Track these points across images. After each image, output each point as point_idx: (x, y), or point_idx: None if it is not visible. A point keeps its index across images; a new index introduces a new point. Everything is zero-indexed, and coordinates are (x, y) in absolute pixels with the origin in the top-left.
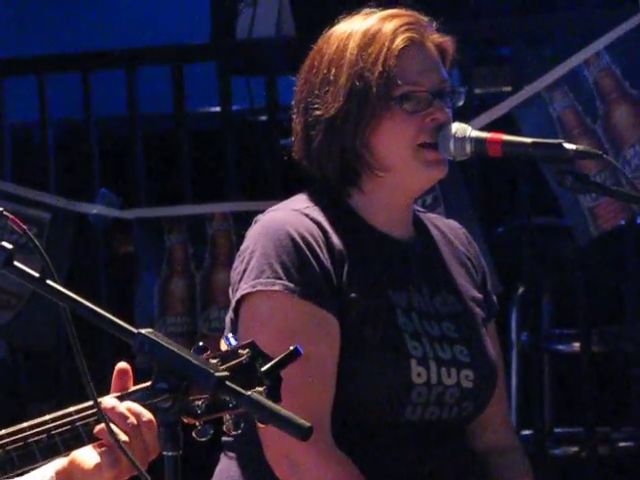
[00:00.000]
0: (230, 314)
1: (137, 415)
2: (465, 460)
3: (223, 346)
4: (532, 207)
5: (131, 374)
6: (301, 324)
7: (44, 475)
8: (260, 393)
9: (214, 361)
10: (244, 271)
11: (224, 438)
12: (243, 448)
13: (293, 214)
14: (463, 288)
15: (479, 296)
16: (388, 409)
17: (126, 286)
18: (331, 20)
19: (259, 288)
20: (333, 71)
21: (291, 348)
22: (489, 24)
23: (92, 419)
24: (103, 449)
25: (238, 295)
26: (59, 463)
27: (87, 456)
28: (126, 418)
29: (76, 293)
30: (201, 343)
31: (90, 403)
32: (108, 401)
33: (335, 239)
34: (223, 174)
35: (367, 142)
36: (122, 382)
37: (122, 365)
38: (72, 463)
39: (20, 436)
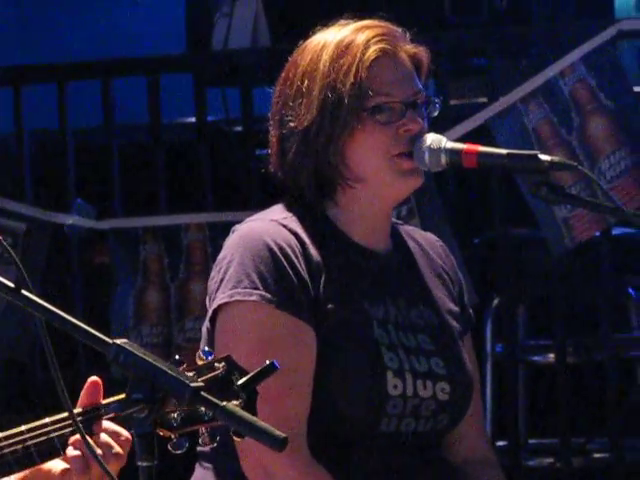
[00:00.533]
0: (207, 324)
1: (115, 434)
2: (440, 472)
3: (199, 360)
4: (507, 218)
5: (101, 389)
6: (278, 334)
7: None
8: (236, 406)
9: (190, 374)
10: (221, 280)
11: (199, 448)
12: (219, 459)
13: (271, 224)
14: (440, 301)
15: (456, 309)
16: (364, 420)
17: (101, 296)
18: (307, 30)
19: (236, 298)
20: (306, 83)
21: (267, 362)
22: (464, 35)
23: (67, 430)
24: (74, 455)
25: (215, 305)
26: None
27: (53, 463)
28: (111, 443)
29: (51, 303)
30: (177, 357)
31: (65, 414)
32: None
33: (312, 250)
34: (198, 184)
35: (341, 154)
36: (92, 397)
37: (94, 379)
38: (34, 470)
39: None
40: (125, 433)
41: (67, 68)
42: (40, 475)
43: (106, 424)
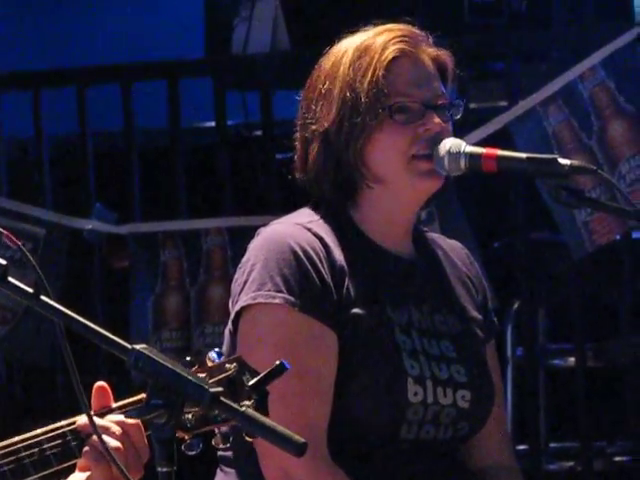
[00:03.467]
0: (229, 326)
1: (122, 423)
2: (460, 479)
3: (209, 362)
4: (527, 222)
5: (109, 391)
6: (300, 338)
7: None
8: (248, 407)
9: (202, 375)
10: (245, 283)
11: (220, 453)
12: (240, 463)
13: (296, 228)
14: (464, 308)
15: (479, 317)
16: (384, 427)
17: (121, 301)
18: (325, 35)
19: (259, 300)
20: (327, 85)
21: (277, 363)
22: (484, 39)
23: (85, 433)
24: (92, 458)
25: (238, 307)
26: None
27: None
28: (112, 428)
29: (70, 308)
30: (188, 358)
31: (80, 419)
32: (81, 419)
33: (337, 254)
34: (218, 189)
35: (360, 154)
36: (102, 399)
37: (99, 384)
38: None
39: (12, 449)
40: (131, 420)
41: (87, 72)
42: None
43: (111, 417)
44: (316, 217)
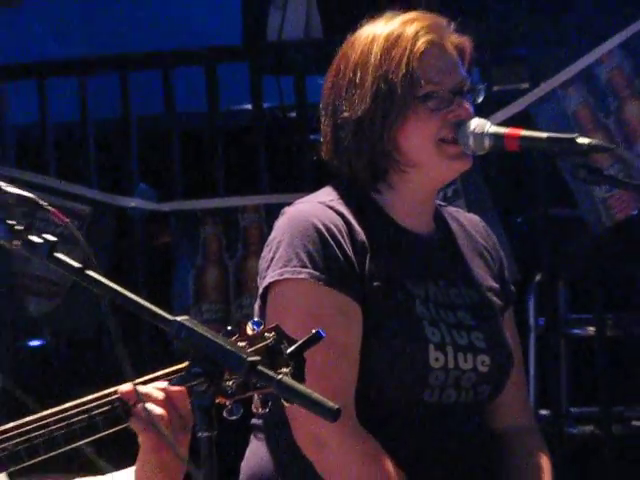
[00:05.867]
0: (258, 301)
1: (165, 390)
2: (482, 440)
3: (249, 330)
4: (549, 198)
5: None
6: (326, 310)
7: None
8: (285, 374)
9: (242, 344)
10: (271, 260)
11: (253, 421)
12: (272, 430)
13: (318, 206)
14: (481, 279)
15: (496, 286)
16: (407, 392)
17: (163, 275)
18: (356, 23)
19: (286, 276)
20: (359, 74)
21: (313, 331)
22: (507, 25)
23: (131, 399)
24: (138, 425)
25: (266, 282)
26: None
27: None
28: (155, 395)
29: (115, 282)
30: (229, 327)
31: (127, 386)
32: (124, 387)
33: (358, 230)
34: (254, 168)
35: (394, 140)
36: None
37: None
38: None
39: (62, 415)
40: (173, 387)
41: (130, 58)
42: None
43: (154, 384)
44: (337, 196)
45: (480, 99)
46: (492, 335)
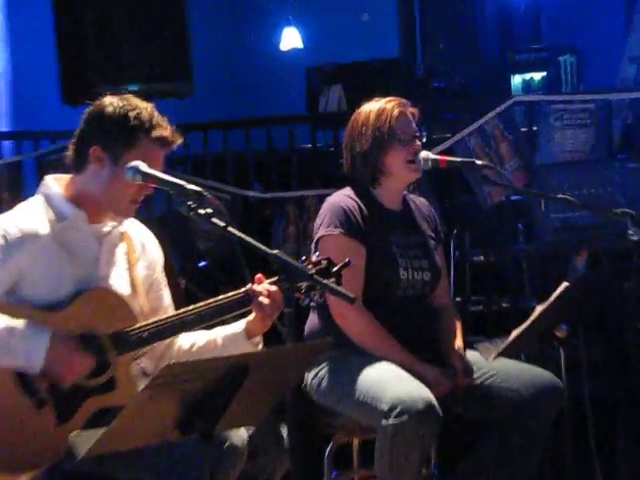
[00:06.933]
0: (313, 245)
1: (269, 288)
2: (428, 312)
3: (313, 258)
4: (460, 190)
5: (264, 277)
6: (349, 249)
7: (237, 327)
8: (330, 281)
9: (310, 265)
10: (321, 224)
11: (312, 304)
12: (321, 309)
13: (344, 196)
14: (426, 232)
15: (433, 235)
16: (388, 290)
17: (266, 230)
18: (361, 103)
19: (328, 232)
20: (364, 128)
21: (346, 260)
22: (438, 105)
23: (257, 290)
24: (255, 307)
25: (318, 235)
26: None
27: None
28: (264, 291)
29: (242, 233)
30: (303, 257)
31: (249, 286)
32: (254, 287)
33: (363, 209)
34: (313, 176)
35: (382, 162)
36: (259, 280)
37: (259, 275)
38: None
39: (211, 300)
40: (274, 288)
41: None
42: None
43: (264, 286)
44: (352, 192)
45: (424, 140)
46: (431, 261)
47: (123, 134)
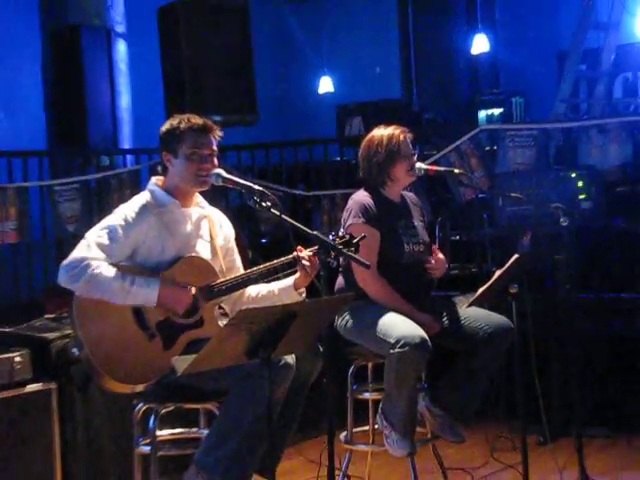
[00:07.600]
0: (342, 231)
1: (309, 255)
2: (424, 275)
3: (340, 233)
4: (442, 190)
5: (304, 248)
6: (368, 233)
7: (287, 282)
8: (352, 252)
9: (338, 239)
10: (349, 215)
11: (340, 269)
12: (346, 272)
13: (362, 195)
14: (418, 219)
15: (422, 219)
16: (395, 259)
17: (308, 217)
18: (373, 127)
19: (355, 221)
20: (379, 147)
21: (362, 234)
22: (427, 129)
23: (304, 255)
24: (300, 268)
25: (348, 223)
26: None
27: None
28: (307, 257)
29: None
30: (333, 233)
31: (295, 253)
32: (299, 254)
33: (377, 204)
34: (339, 181)
35: (390, 171)
36: (299, 250)
37: (299, 247)
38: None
39: (266, 264)
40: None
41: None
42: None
43: (306, 252)
44: (368, 191)
45: (418, 156)
46: (422, 237)
47: (172, 136)
